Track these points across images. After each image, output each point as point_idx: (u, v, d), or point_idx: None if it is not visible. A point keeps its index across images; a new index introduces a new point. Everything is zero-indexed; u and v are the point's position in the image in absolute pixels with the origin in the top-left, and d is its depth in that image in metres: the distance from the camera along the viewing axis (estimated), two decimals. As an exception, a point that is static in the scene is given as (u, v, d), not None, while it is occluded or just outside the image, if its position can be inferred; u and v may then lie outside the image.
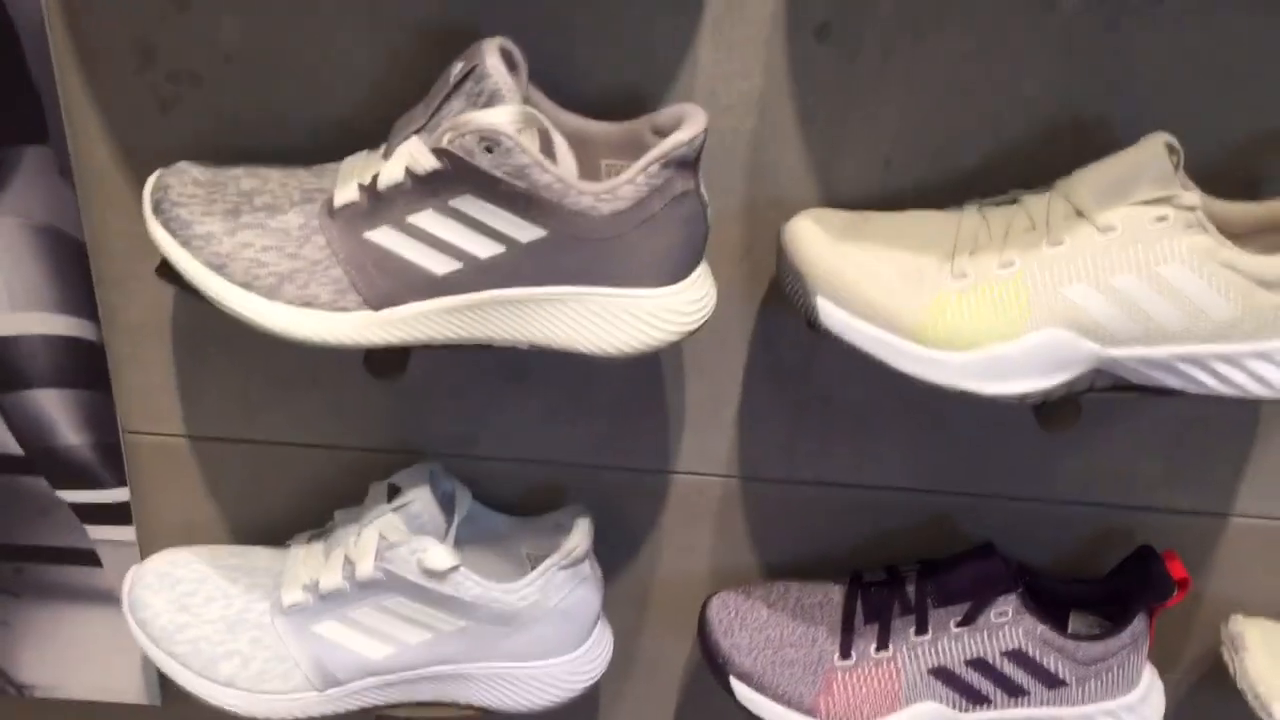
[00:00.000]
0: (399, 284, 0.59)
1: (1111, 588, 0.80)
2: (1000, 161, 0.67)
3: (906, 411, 0.77)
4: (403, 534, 0.71)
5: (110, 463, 0.76)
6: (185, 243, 0.59)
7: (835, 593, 0.80)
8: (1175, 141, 0.62)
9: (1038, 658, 0.76)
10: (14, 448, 0.75)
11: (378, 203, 0.59)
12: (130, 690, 0.85)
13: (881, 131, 0.67)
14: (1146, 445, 0.78)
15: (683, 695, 0.88)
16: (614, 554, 0.82)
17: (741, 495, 0.80)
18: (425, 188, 0.58)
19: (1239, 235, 0.66)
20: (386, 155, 0.59)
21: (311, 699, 0.73)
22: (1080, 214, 0.62)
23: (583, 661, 0.77)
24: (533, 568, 0.74)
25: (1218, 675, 0.83)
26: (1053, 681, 0.76)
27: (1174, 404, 0.76)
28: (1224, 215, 0.65)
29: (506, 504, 0.79)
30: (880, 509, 0.81)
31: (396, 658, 0.73)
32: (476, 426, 0.77)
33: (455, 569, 0.71)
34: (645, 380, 0.75)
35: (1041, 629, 0.75)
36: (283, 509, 0.79)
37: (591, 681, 0.77)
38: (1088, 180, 0.63)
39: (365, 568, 0.71)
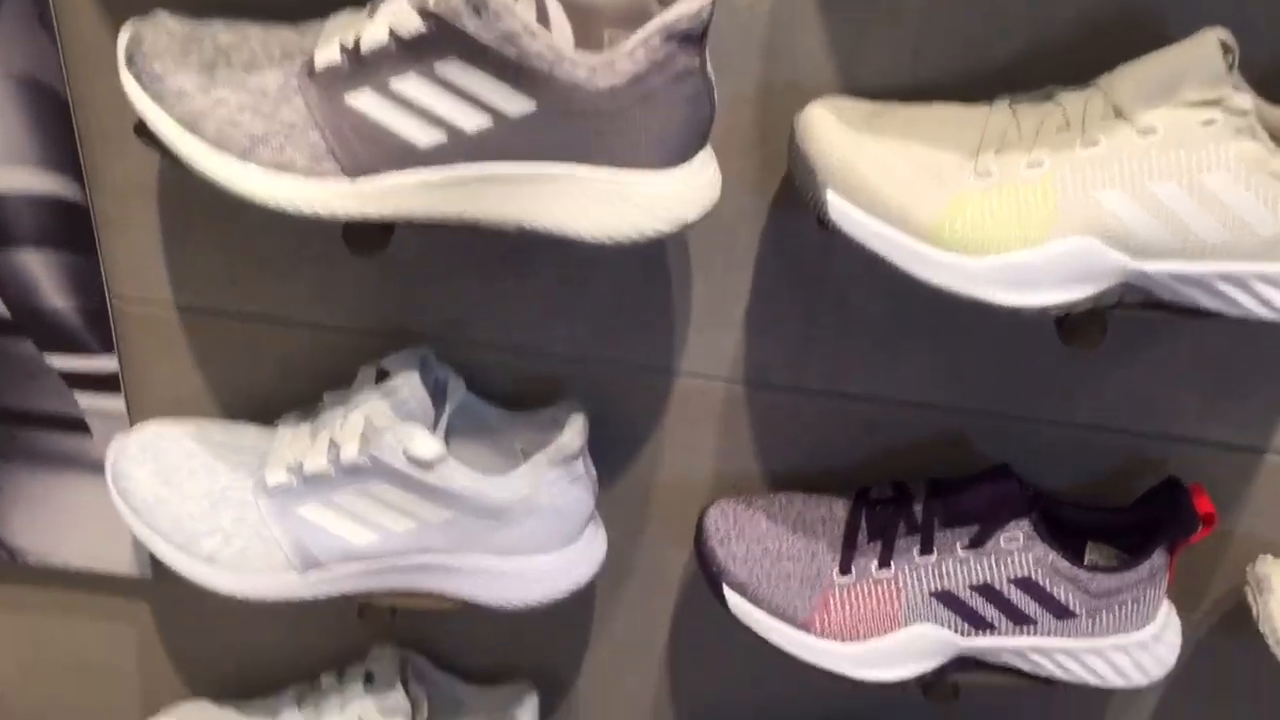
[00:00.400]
0: (379, 153, 0.56)
1: (1133, 519, 0.77)
2: (1039, 55, 0.62)
3: (927, 322, 0.73)
4: (390, 420, 0.69)
5: (98, 329, 0.74)
6: (158, 98, 0.56)
7: (839, 507, 0.77)
8: (1230, 39, 0.57)
9: (1047, 586, 0.72)
10: (0, 309, 0.73)
11: (360, 65, 0.55)
12: (121, 561, 0.84)
13: (910, 17, 0.62)
14: (1182, 372, 0.74)
15: (680, 602, 0.86)
16: (612, 454, 0.79)
17: (747, 401, 0.77)
18: (409, 51, 0.54)
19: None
20: (371, 14, 0.56)
21: (292, 580, 0.72)
22: (1120, 114, 0.57)
23: (572, 560, 0.75)
24: (525, 461, 0.72)
25: (1240, 617, 0.80)
26: (1061, 612, 0.73)
27: (1213, 330, 0.71)
28: (1278, 123, 0.59)
29: (501, 395, 0.76)
30: (893, 424, 0.77)
31: (380, 545, 0.71)
32: (471, 312, 0.74)
33: (442, 459, 0.69)
34: (649, 274, 0.72)
35: (1053, 557, 0.72)
36: (273, 387, 0.77)
37: (581, 582, 0.75)
38: (1131, 76, 0.57)
39: (350, 452, 0.69)
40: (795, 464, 0.79)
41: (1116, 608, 0.74)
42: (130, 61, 0.57)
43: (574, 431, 0.72)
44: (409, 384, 0.70)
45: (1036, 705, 0.88)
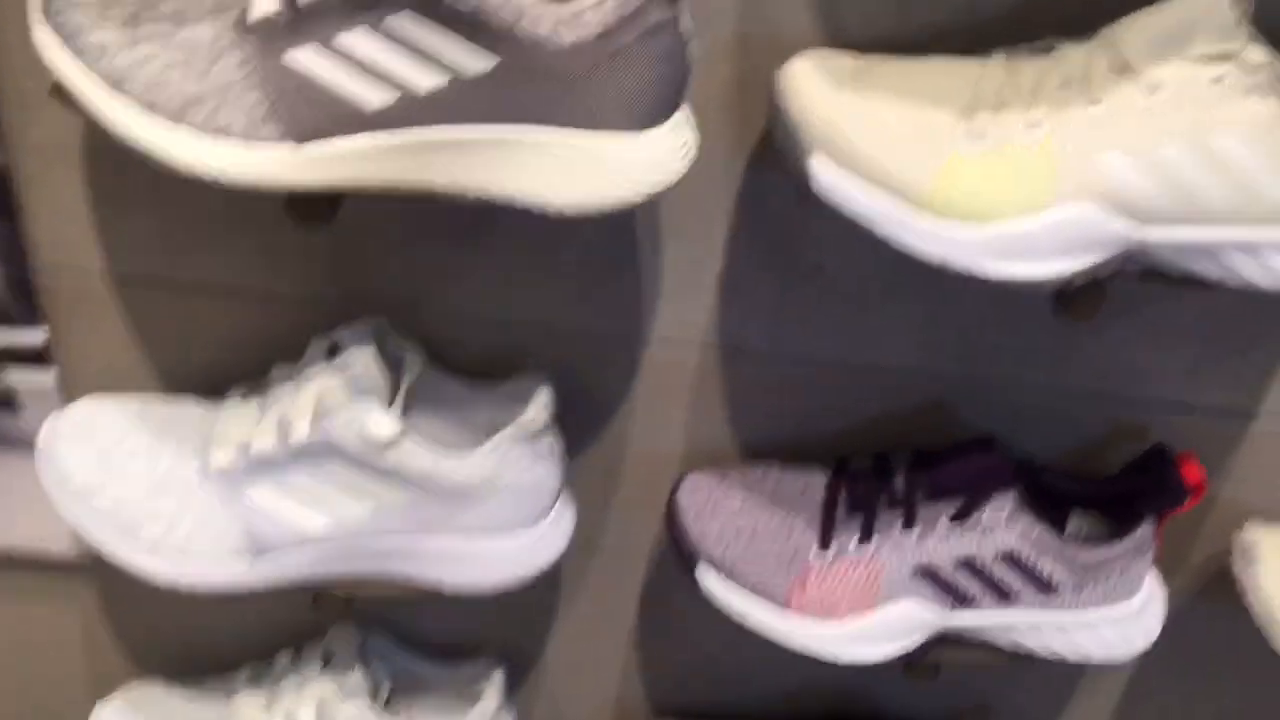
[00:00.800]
0: (325, 116, 0.51)
1: (1119, 488, 0.74)
2: (1038, 3, 0.58)
3: (909, 286, 0.69)
4: (342, 397, 0.65)
5: (24, 300, 0.69)
6: (77, 53, 0.51)
7: (818, 480, 0.74)
8: (1243, -14, 0.53)
9: (1031, 561, 0.70)
10: (-81, 278, 0.68)
11: (300, 17, 0.50)
12: (60, 542, 0.79)
13: (899, -41, 0.58)
14: (1172, 338, 0.71)
15: (650, 579, 0.83)
16: (580, 425, 0.75)
17: (721, 368, 0.73)
18: (356, 1, 0.49)
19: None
20: (313, -40, 0.50)
21: (242, 568, 0.68)
22: (1125, 69, 0.53)
23: (540, 540, 0.71)
24: (490, 437, 0.68)
25: (1224, 585, 0.77)
26: (1045, 586, 0.70)
27: (1203, 294, 0.68)
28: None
29: (463, 368, 0.72)
30: (874, 390, 0.74)
31: (335, 528, 0.67)
32: (430, 281, 0.69)
33: (400, 438, 0.65)
34: (617, 239, 0.68)
35: (1039, 530, 0.69)
36: (217, 359, 0.72)
37: (549, 561, 0.72)
38: (1136, 28, 0.53)
39: (301, 432, 0.65)
40: (772, 434, 0.76)
41: (1102, 581, 0.71)
42: (48, 10, 0.51)
43: (539, 406, 0.68)
44: (363, 358, 0.65)
45: (1011, 675, 0.86)
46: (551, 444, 0.69)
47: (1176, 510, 0.71)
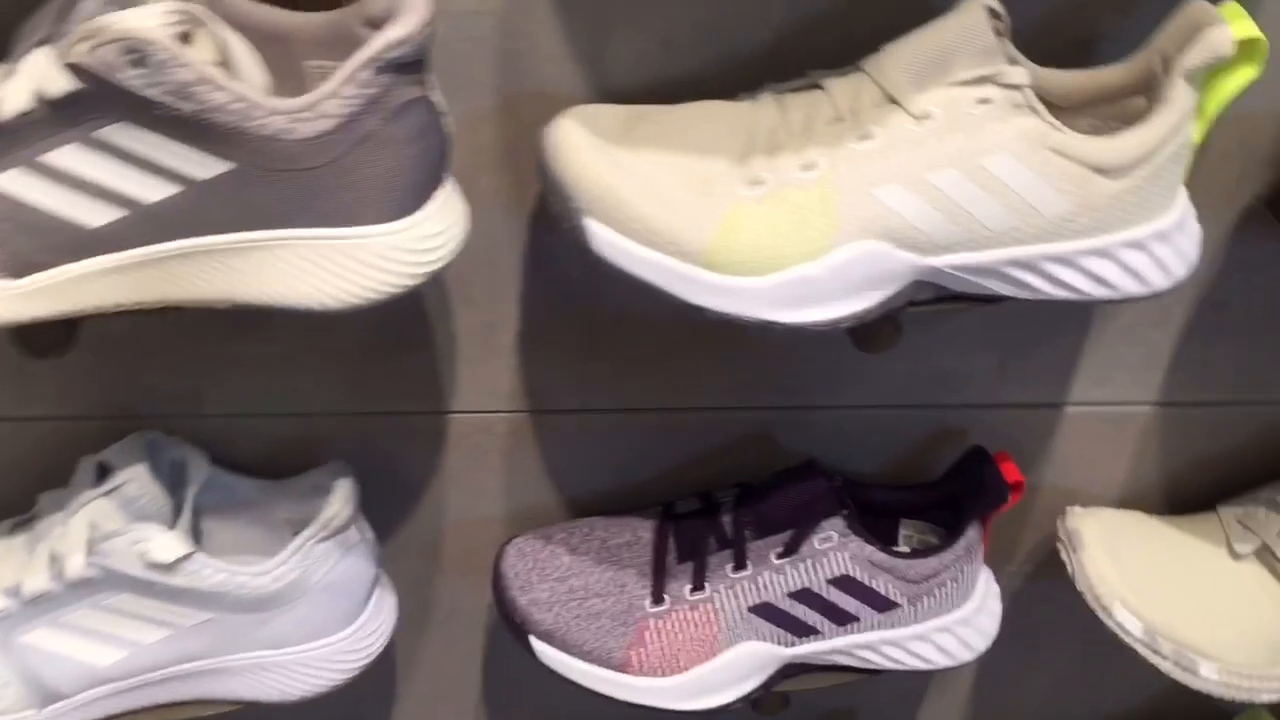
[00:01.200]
0: (41, 243, 0.46)
1: (943, 493, 0.74)
2: (799, 35, 0.56)
3: (709, 328, 0.67)
4: (118, 521, 0.59)
5: None
6: None
7: (645, 529, 0.71)
8: (998, 4, 0.52)
9: (866, 581, 0.69)
10: None
11: (1, 137, 0.45)
12: None
13: (658, 4, 0.55)
14: (974, 343, 0.71)
15: (487, 644, 0.79)
16: (392, 506, 0.71)
17: (532, 430, 0.70)
18: (62, 115, 0.44)
19: (1069, 109, 0.57)
20: (8, 74, 0.45)
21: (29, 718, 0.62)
22: (892, 99, 0.52)
23: (357, 638, 0.67)
24: (295, 534, 0.63)
25: (1056, 564, 0.78)
26: (883, 604, 0.70)
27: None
28: (1053, 88, 0.56)
29: (254, 466, 0.67)
30: (690, 431, 0.72)
31: (130, 661, 0.62)
32: (202, 381, 0.64)
33: (187, 557, 0.60)
34: (404, 313, 0.64)
35: (870, 550, 0.68)
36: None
37: (372, 656, 0.68)
38: (898, 57, 0.52)
39: (75, 565, 0.59)
40: (594, 485, 0.73)
41: (937, 590, 0.71)
42: None
43: (341, 499, 0.63)
44: (136, 477, 0.60)
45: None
46: (360, 534, 0.65)
47: (1000, 509, 0.71)
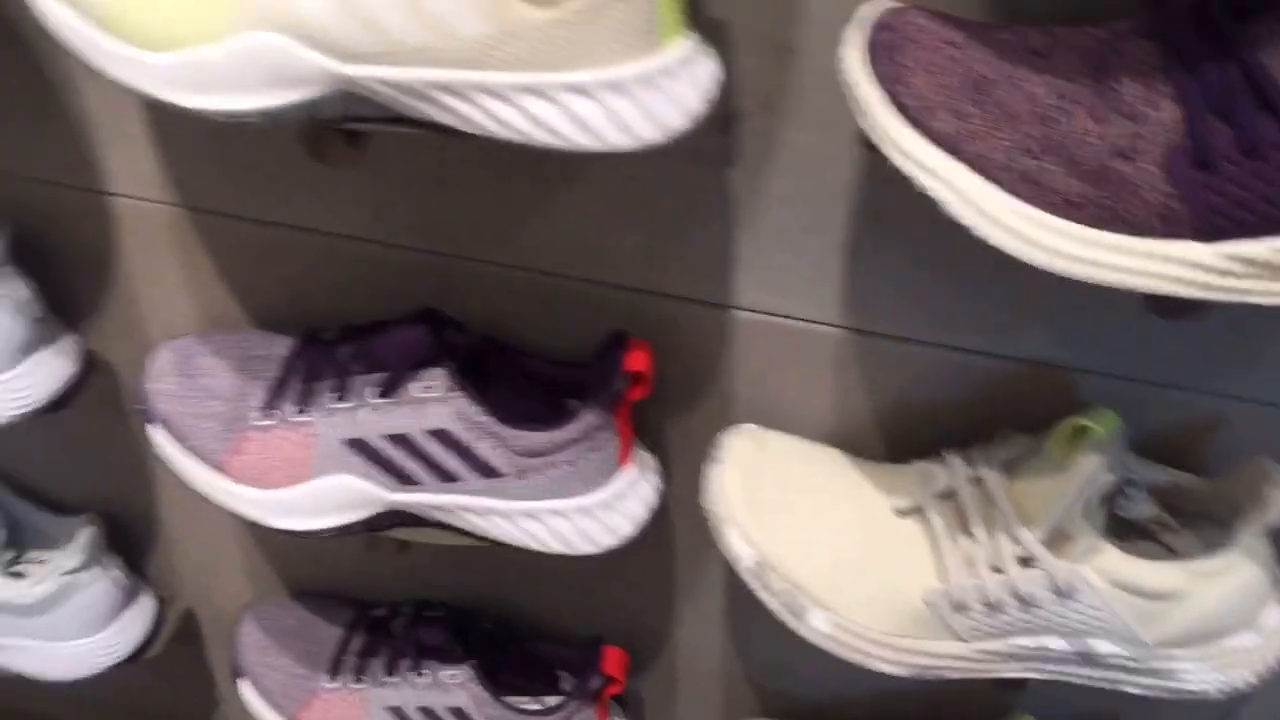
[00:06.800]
0: None
1: (590, 377, 0.70)
2: None
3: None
4: None
5: None
6: None
7: (283, 347, 0.72)
8: None
9: (467, 442, 0.67)
10: None
11: None
12: None
13: None
14: (618, 219, 0.66)
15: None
16: (82, 283, 0.76)
17: (192, 225, 0.72)
18: None
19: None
20: None
21: None
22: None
23: (5, 388, 0.72)
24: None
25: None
26: (487, 470, 0.67)
27: (631, 175, 0.63)
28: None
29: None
30: (351, 263, 0.71)
31: None
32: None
33: None
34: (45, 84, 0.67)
35: (474, 410, 0.66)
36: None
37: (27, 408, 0.73)
38: None
39: None
40: (270, 300, 0.75)
41: (550, 469, 0.67)
42: None
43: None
44: None
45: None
46: (8, 290, 0.70)
47: (624, 398, 0.66)
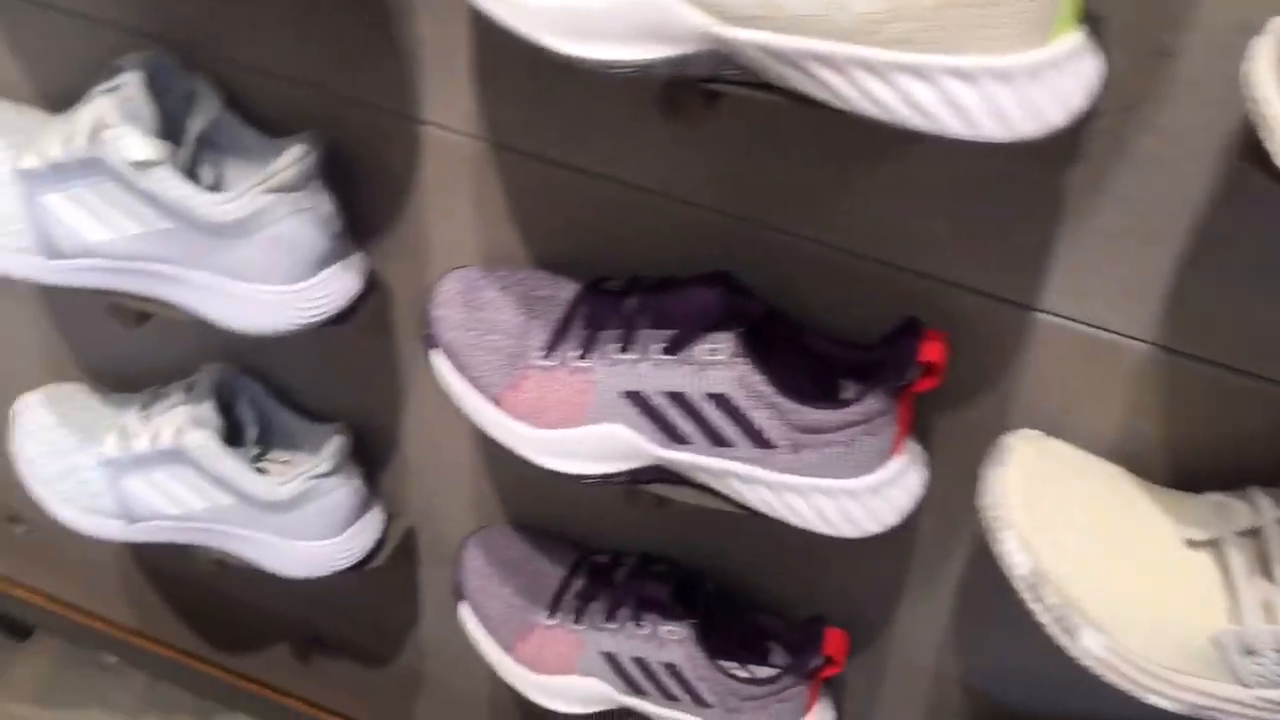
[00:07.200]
0: None
1: (870, 358, 0.69)
2: None
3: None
4: (113, 118, 0.71)
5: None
6: None
7: (567, 290, 0.73)
8: None
9: (744, 409, 0.67)
10: None
11: None
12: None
13: None
14: (926, 202, 0.64)
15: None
16: (377, 205, 0.78)
17: (500, 165, 0.73)
18: None
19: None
20: None
21: (38, 263, 0.76)
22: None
23: (300, 296, 0.75)
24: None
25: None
26: (760, 440, 0.67)
27: (958, 163, 0.62)
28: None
29: (266, 121, 0.76)
30: (655, 219, 0.71)
31: (113, 244, 0.74)
32: (222, 28, 0.73)
33: (155, 164, 0.70)
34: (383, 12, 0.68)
35: (757, 380, 0.66)
36: (72, 76, 0.79)
37: (305, 320, 0.75)
38: None
39: (78, 146, 0.71)
40: (558, 244, 0.75)
41: (825, 448, 0.67)
42: None
43: (290, 160, 0.71)
44: (133, 84, 0.71)
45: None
46: (313, 204, 0.73)
47: (911, 387, 0.65)
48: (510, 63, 0.68)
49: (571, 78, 0.66)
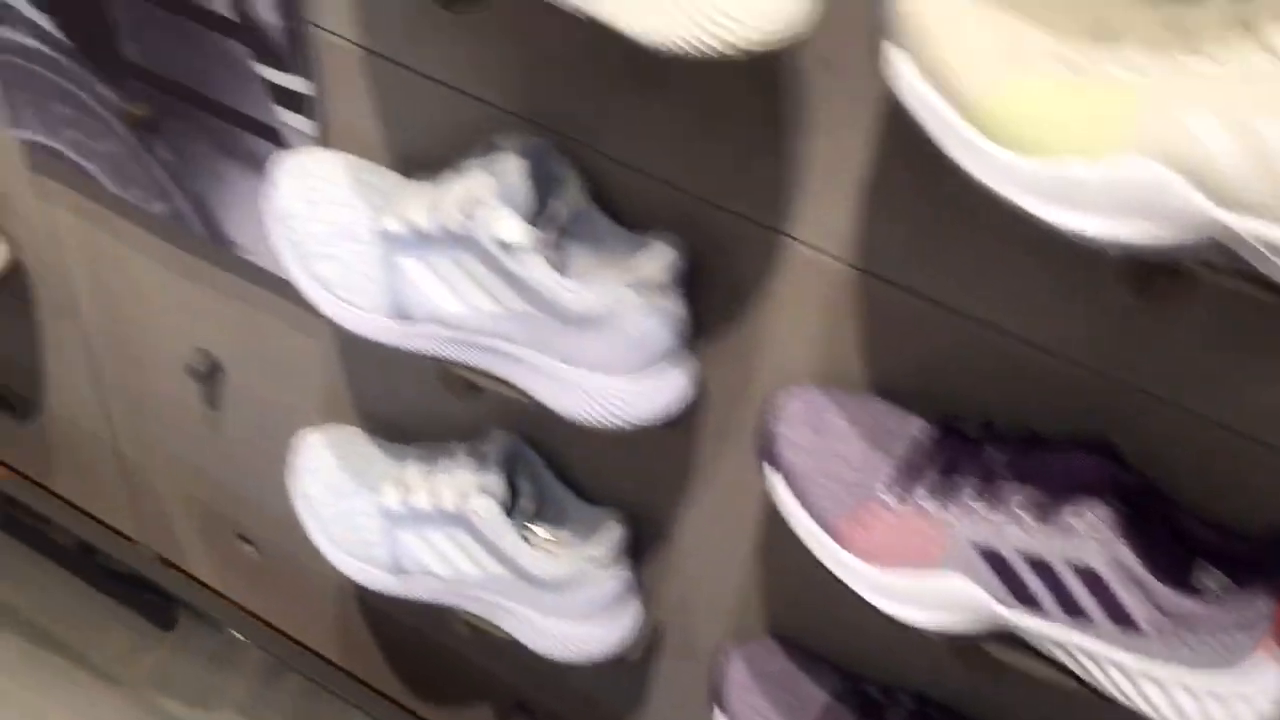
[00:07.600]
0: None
1: (1257, 552, 0.64)
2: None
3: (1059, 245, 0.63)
4: (487, 196, 0.71)
5: (299, 52, 0.80)
6: None
7: (917, 426, 0.70)
8: None
9: (1110, 584, 0.63)
10: (229, 11, 0.81)
11: None
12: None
13: None
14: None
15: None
16: (714, 306, 0.76)
17: (859, 288, 0.71)
18: None
19: None
20: None
21: (384, 324, 0.77)
22: (1251, 26, 0.46)
23: (630, 389, 0.74)
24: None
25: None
26: (1122, 618, 0.63)
27: None
28: None
29: (623, 214, 0.75)
30: (1022, 366, 0.68)
31: (464, 318, 0.74)
32: (598, 119, 0.72)
33: (525, 247, 0.70)
34: (769, 123, 0.67)
35: (1125, 554, 0.62)
36: (435, 144, 0.80)
37: (636, 418, 0.74)
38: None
39: (447, 218, 0.72)
40: (902, 374, 0.73)
41: (1190, 637, 0.63)
42: None
43: (656, 259, 0.70)
44: (513, 165, 0.71)
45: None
46: (669, 304, 0.71)
47: (1296, 593, 0.61)
48: (903, 193, 0.66)
49: (977, 220, 0.64)
